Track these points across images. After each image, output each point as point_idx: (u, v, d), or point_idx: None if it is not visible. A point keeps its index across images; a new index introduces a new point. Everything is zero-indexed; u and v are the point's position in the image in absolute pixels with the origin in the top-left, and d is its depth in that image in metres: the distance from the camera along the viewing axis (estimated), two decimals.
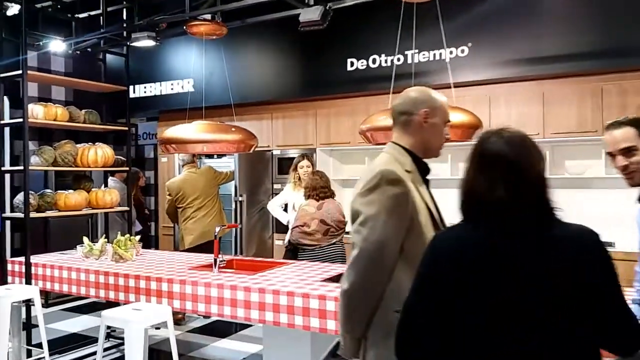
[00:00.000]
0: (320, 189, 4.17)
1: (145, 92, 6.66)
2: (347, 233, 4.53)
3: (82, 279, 3.67)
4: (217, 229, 3.49)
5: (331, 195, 4.22)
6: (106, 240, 4.11)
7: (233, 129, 3.62)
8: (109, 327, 4.79)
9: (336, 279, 3.13)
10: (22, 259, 4.05)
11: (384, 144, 3.24)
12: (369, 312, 1.63)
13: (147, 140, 7.79)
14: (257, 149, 5.86)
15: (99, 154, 4.42)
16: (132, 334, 2.83)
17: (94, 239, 7.17)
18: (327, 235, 4.11)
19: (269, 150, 6.09)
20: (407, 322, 1.34)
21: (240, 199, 5.71)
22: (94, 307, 5.77)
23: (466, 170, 1.41)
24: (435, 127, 1.79)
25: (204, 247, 5.00)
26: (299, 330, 2.89)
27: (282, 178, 6.01)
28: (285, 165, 6.00)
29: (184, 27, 3.58)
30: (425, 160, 1.82)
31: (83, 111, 4.47)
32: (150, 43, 4.31)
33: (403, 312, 1.37)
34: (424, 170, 1.79)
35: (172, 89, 6.54)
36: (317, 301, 2.78)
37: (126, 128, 4.77)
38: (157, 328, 3.06)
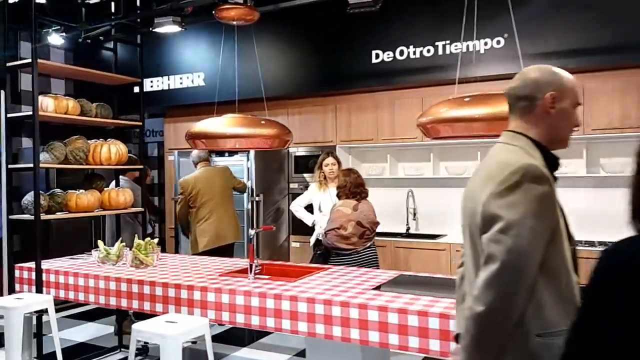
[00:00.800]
0: (356, 188, 3.90)
1: (152, 86, 6.32)
2: (377, 235, 4.34)
3: (101, 286, 3.35)
4: (252, 232, 3.20)
5: (367, 195, 3.95)
6: (123, 244, 3.79)
7: (266, 123, 3.32)
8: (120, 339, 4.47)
9: (390, 284, 2.86)
10: (32, 264, 3.72)
11: (444, 138, 2.97)
12: (506, 339, 1.35)
13: (150, 138, 7.45)
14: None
15: (113, 150, 4.10)
16: (169, 350, 2.53)
17: (98, 242, 6.86)
18: (363, 239, 3.84)
19: (285, 148, 5.79)
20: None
21: (257, 199, 5.41)
22: (99, 314, 5.44)
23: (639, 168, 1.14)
24: (565, 113, 1.51)
25: (218, 251, 4.71)
26: (345, 343, 2.61)
27: (299, 177, 5.72)
28: (302, 163, 5.72)
29: (213, 12, 3.27)
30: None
31: (94, 104, 4.14)
32: (175, 29, 3.98)
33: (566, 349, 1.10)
34: (553, 165, 1.51)
35: (181, 83, 6.21)
36: (376, 313, 2.50)
37: (140, 123, 4.45)
38: (194, 342, 2.76)
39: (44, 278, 3.62)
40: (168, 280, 3.14)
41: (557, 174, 1.50)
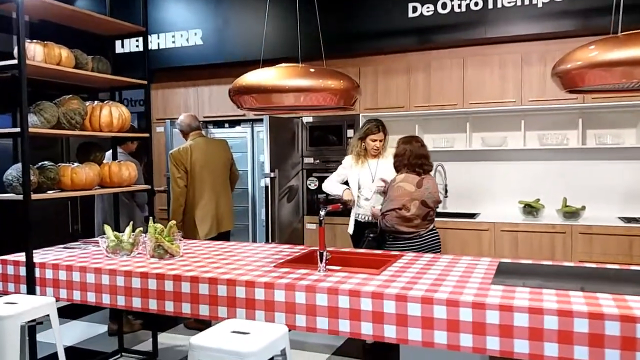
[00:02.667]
0: (419, 160, 3.28)
1: (138, 46, 5.45)
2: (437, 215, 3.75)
3: (120, 284, 2.61)
4: (322, 213, 2.53)
5: (431, 168, 3.34)
6: (140, 229, 3.04)
7: (332, 73, 2.63)
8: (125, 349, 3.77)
9: (507, 276, 2.27)
10: (19, 257, 2.92)
11: (590, 93, 2.36)
12: None
13: (130, 108, 6.54)
14: (282, 116, 4.91)
15: (115, 114, 3.31)
16: None
17: (77, 225, 5.95)
18: (426, 220, 3.24)
19: (298, 117, 5.10)
20: None
21: (272, 175, 4.70)
22: (85, 310, 4.64)
23: None
24: None
25: (218, 239, 4.02)
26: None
27: (316, 151, 5.06)
28: (318, 135, 5.04)
29: None
30: None
31: (90, 57, 3.32)
32: None
33: None
34: None
35: (173, 42, 5.37)
36: (555, 319, 1.91)
37: (145, 82, 3.65)
38: None
39: (37, 274, 2.84)
40: (214, 274, 2.44)
41: None
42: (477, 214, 4.72)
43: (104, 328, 4.26)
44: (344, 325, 2.17)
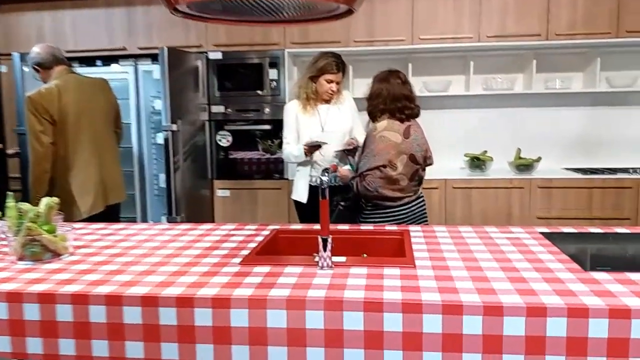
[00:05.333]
0: (404, 103, 2.46)
1: None
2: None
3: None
4: (325, 178, 1.61)
5: (418, 112, 2.54)
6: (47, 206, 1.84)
7: None
8: None
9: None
10: None
11: None
12: None
13: None
14: (180, 49, 3.77)
15: None
16: None
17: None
18: (413, 182, 2.47)
19: (201, 52, 3.97)
20: None
21: (174, 128, 3.56)
22: None
23: None
24: None
25: (103, 216, 2.92)
26: None
27: (227, 97, 4.00)
28: (230, 76, 3.98)
29: None
30: None
31: None
32: None
33: None
34: None
35: None
36: None
37: None
38: None
39: None
40: (149, 289, 1.42)
41: None
42: None
43: None
44: None
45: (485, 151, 4.10)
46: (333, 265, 1.58)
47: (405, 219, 2.43)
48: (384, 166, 2.33)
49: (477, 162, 4.02)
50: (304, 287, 1.41)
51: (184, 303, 1.38)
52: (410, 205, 2.45)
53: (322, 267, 1.56)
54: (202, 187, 4.04)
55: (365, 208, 2.45)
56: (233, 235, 2.05)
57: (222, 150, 4.04)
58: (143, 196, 4.23)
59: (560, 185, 3.73)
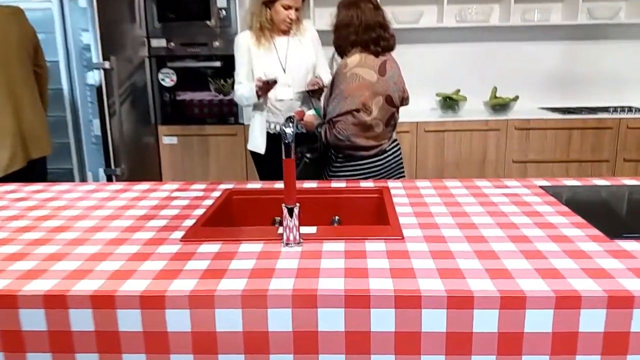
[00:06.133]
0: (377, 33, 2.07)
1: None
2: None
3: None
4: (288, 131, 1.22)
5: (394, 44, 2.16)
6: None
7: None
8: None
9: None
10: None
11: None
12: None
13: None
14: None
15: None
16: None
17: None
18: (389, 127, 2.13)
19: None
20: None
21: (107, 66, 3.05)
22: None
23: None
24: None
25: (27, 173, 2.49)
26: None
27: (168, 29, 3.48)
28: (171, 4, 3.45)
29: None
30: None
31: None
32: None
33: None
34: None
35: None
36: None
37: None
38: None
39: None
40: (34, 288, 1.05)
41: None
42: None
43: None
44: None
45: (459, 90, 3.78)
46: (301, 241, 1.24)
47: (382, 171, 2.10)
48: (357, 110, 1.97)
49: (450, 103, 3.71)
50: (265, 276, 1.07)
51: (102, 303, 1.02)
52: (386, 155, 2.11)
53: (287, 244, 1.22)
54: (145, 133, 3.58)
55: (335, 160, 2.10)
56: (175, 198, 1.67)
57: (166, 91, 3.56)
58: (79, 145, 3.73)
59: (537, 126, 3.48)
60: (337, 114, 1.97)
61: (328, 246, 1.22)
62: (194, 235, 1.31)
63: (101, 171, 3.37)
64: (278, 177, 2.17)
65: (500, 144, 3.50)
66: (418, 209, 1.49)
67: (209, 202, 1.61)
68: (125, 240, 1.30)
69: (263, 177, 2.65)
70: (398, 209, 1.48)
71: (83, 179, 3.70)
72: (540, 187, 1.70)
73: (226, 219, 1.61)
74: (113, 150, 3.14)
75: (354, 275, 1.06)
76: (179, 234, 1.33)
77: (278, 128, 2.57)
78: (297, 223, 1.22)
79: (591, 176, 3.17)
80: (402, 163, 2.20)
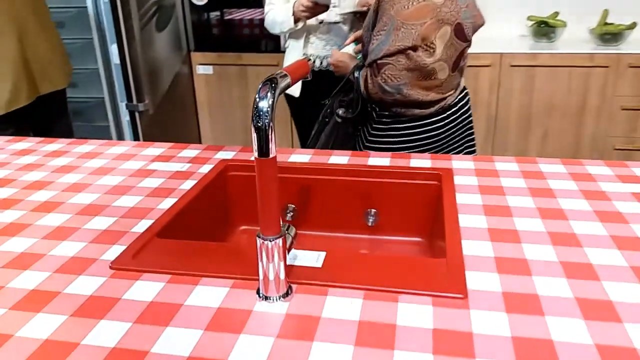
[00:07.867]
0: None
1: None
2: None
3: None
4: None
5: None
6: None
7: None
8: None
9: None
10: None
11: None
12: None
13: None
14: None
15: None
16: None
17: None
18: (455, 72, 1.51)
19: None
20: None
21: None
22: None
23: None
24: None
25: (36, 110, 2.10)
26: None
27: None
28: None
29: None
30: None
31: None
32: None
33: None
34: None
35: None
36: None
37: None
38: None
39: None
40: None
41: None
42: None
43: None
44: None
45: (557, 13, 2.99)
46: (290, 292, 0.74)
47: (444, 137, 1.52)
48: (414, 48, 1.36)
49: (545, 29, 2.95)
50: None
51: None
52: (451, 113, 1.52)
53: (266, 298, 0.73)
54: (177, 62, 3.11)
55: (377, 121, 1.53)
56: (151, 172, 1.21)
57: (198, 13, 3.03)
58: (108, 71, 3.35)
59: None
60: (383, 54, 1.38)
61: (333, 305, 0.72)
62: (130, 260, 0.84)
63: (123, 106, 2.98)
64: (314, 123, 1.64)
65: (607, 86, 2.75)
66: (495, 221, 0.94)
67: (191, 182, 1.14)
68: (28, 264, 0.85)
69: (300, 127, 2.14)
70: (463, 217, 0.94)
71: (116, 112, 3.34)
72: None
73: (215, 207, 1.14)
74: (135, 82, 2.71)
75: None
76: (118, 250, 0.87)
77: (318, 63, 2.02)
78: (282, 265, 0.72)
79: None
80: (471, 122, 1.60)
